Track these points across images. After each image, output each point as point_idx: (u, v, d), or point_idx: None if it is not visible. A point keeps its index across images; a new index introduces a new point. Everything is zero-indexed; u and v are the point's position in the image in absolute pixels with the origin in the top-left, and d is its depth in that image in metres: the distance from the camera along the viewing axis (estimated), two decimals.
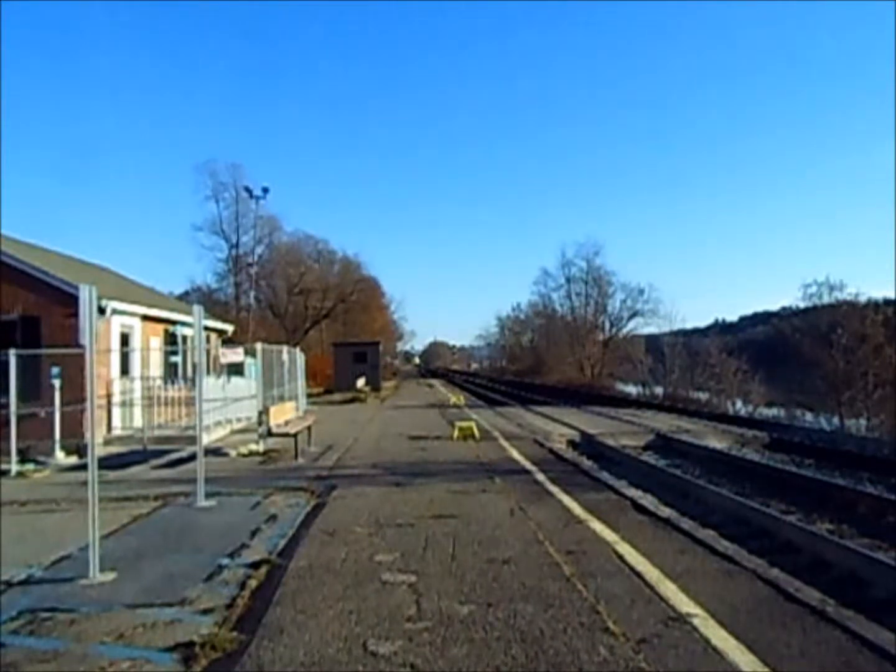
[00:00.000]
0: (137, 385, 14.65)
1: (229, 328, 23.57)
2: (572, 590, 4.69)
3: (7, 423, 11.56)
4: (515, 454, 12.01)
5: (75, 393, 11.45)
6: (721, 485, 10.37)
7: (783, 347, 27.58)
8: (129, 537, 6.52)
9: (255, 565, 5.41)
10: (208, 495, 8.10)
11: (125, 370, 14.89)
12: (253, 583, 4.98)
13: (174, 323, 17.63)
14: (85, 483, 5.61)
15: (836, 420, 22.47)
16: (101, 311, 12.66)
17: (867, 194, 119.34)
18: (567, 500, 7.86)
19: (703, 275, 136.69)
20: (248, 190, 43.22)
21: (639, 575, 5.00)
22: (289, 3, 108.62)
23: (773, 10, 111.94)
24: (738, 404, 29.74)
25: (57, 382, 12.08)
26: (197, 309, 8.72)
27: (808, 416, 24.30)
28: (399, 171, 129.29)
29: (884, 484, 10.83)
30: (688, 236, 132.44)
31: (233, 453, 12.46)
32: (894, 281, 61.98)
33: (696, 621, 4.06)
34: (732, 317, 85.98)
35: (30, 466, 11.44)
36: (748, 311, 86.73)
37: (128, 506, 7.89)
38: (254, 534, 6.50)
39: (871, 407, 22.10)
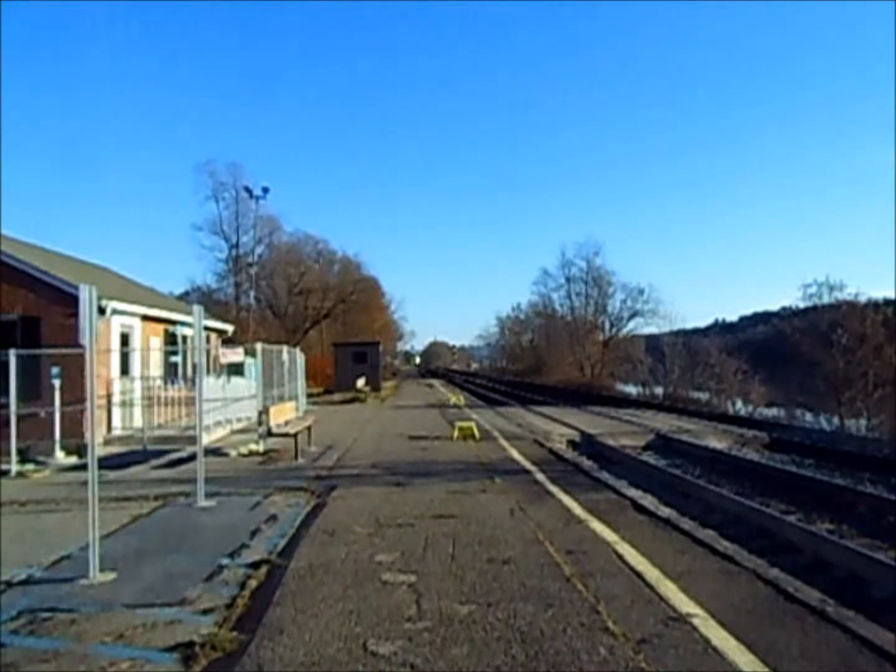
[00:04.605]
0: (137, 385, 14.65)
1: (229, 328, 23.57)
2: (572, 590, 4.68)
3: (7, 423, 11.56)
4: (515, 454, 12.01)
5: (75, 393, 11.45)
6: (721, 485, 10.37)
7: (783, 347, 27.53)
8: (129, 537, 6.52)
9: (255, 565, 5.41)
10: (208, 495, 8.10)
11: (125, 370, 14.88)
12: (253, 583, 4.98)
13: (174, 323, 17.63)
14: (85, 483, 5.61)
15: (836, 420, 22.45)
16: (101, 311, 12.65)
17: (867, 194, 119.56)
18: (567, 500, 7.86)
19: (703, 275, 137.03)
20: (248, 190, 43.26)
21: (639, 575, 5.00)
22: (289, 4, 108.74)
23: (773, 10, 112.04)
24: (738, 404, 29.74)
25: (57, 382, 12.07)
26: (197, 309, 8.72)
27: (808, 417, 24.30)
28: (399, 172, 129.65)
29: (884, 484, 10.83)
30: (688, 236, 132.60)
31: (233, 453, 12.45)
32: (894, 281, 61.71)
33: (695, 621, 4.06)
34: (732, 317, 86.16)
35: (30, 466, 11.43)
36: (748, 311, 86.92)
37: (128, 506, 7.89)
38: (254, 534, 6.50)
39: (871, 407, 22.07)
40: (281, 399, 15.40)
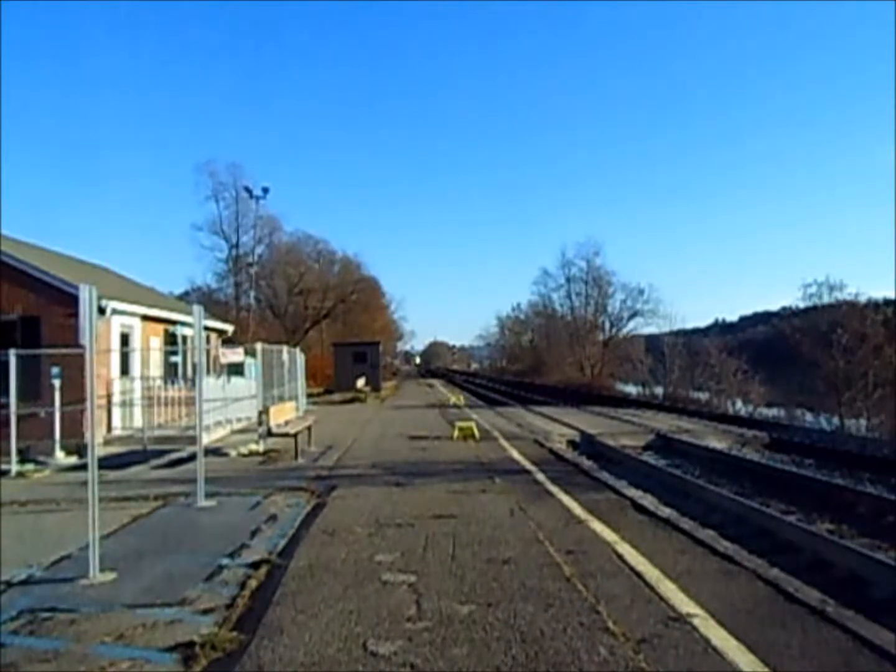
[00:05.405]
0: (137, 385, 14.65)
1: (229, 328, 23.57)
2: (572, 590, 4.68)
3: (7, 423, 11.56)
4: (515, 454, 12.01)
5: (75, 393, 11.44)
6: (721, 485, 10.36)
7: (783, 347, 27.54)
8: (129, 537, 6.52)
9: (256, 565, 5.41)
10: (208, 495, 8.10)
11: (125, 370, 14.88)
12: (253, 583, 4.98)
13: (174, 323, 17.63)
14: (85, 483, 5.61)
15: (835, 420, 22.45)
16: (101, 311, 12.66)
17: (867, 194, 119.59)
18: (567, 500, 7.86)
19: (703, 275, 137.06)
20: (248, 190, 43.28)
21: (639, 575, 5.00)
22: (289, 4, 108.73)
23: (772, 10, 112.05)
24: (738, 404, 29.73)
25: (57, 382, 12.08)
26: (197, 309, 8.72)
27: (808, 417, 24.30)
28: (399, 172, 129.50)
29: (884, 484, 10.83)
30: (688, 236, 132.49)
31: (233, 453, 12.45)
32: (894, 281, 61.65)
33: (696, 621, 4.06)
34: (732, 317, 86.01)
35: (30, 466, 11.43)
36: (748, 311, 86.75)
37: (128, 506, 7.89)
38: (254, 534, 6.50)
39: (870, 407, 22.08)
40: (281, 399, 15.41)
